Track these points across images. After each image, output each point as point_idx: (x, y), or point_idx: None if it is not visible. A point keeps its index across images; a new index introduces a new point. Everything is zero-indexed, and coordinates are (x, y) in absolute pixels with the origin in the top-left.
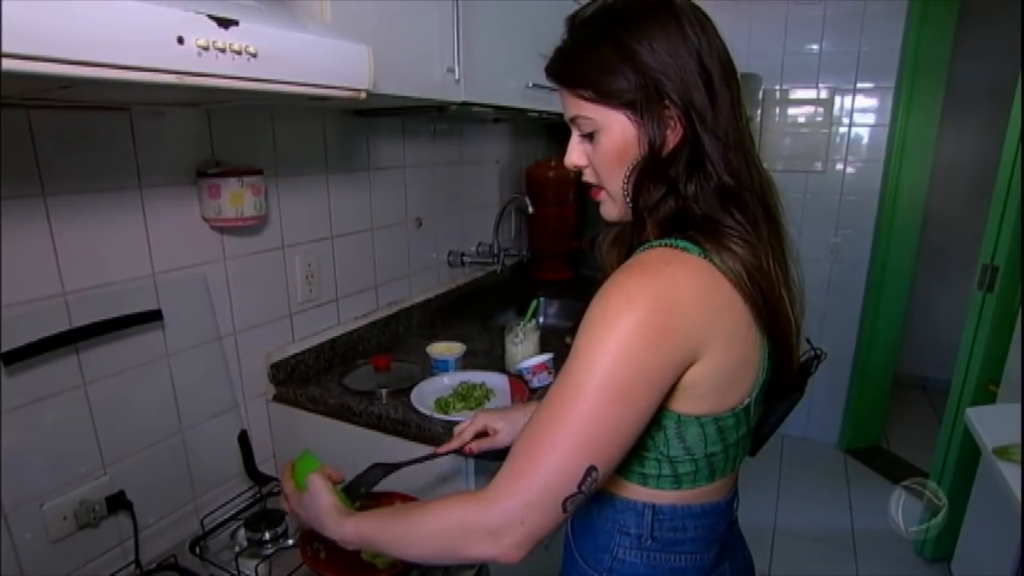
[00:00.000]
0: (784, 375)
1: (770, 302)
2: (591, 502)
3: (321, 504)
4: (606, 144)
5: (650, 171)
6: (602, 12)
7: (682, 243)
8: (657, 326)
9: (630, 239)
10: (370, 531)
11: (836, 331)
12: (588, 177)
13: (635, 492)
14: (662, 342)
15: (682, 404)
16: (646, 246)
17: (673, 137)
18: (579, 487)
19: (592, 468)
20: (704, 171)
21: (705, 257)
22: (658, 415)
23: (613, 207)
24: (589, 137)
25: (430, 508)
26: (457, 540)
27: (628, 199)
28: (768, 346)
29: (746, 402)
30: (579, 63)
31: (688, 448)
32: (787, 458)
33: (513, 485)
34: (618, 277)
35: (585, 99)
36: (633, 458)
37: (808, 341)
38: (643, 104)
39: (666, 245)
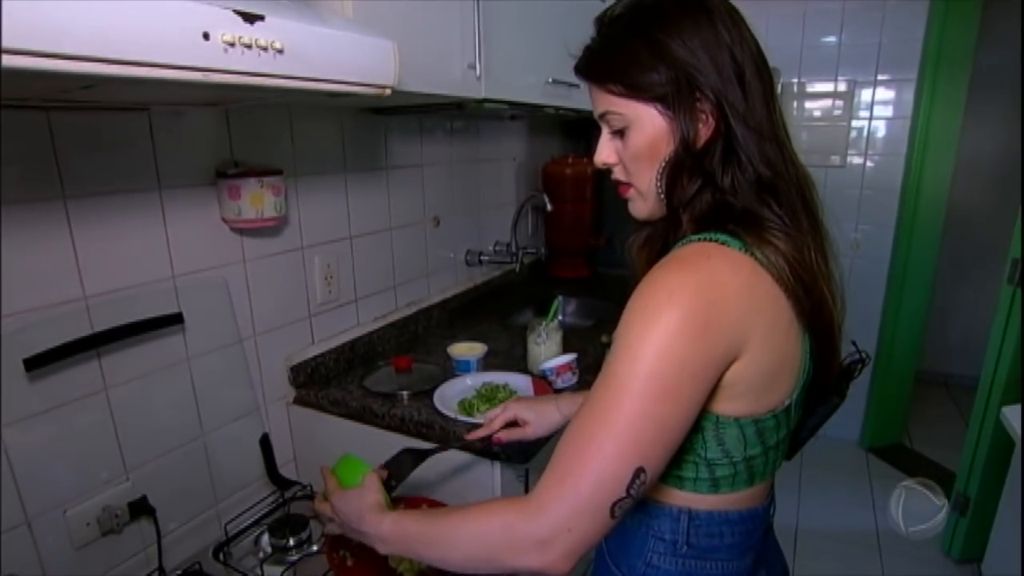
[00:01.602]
0: (825, 376)
1: (812, 297)
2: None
3: (367, 499)
4: (637, 139)
5: (684, 165)
6: (632, 9)
7: (722, 237)
8: (699, 322)
9: (662, 239)
10: (410, 529)
11: (857, 327)
12: (618, 175)
13: (672, 497)
14: (705, 338)
15: (721, 405)
16: (684, 241)
17: (705, 130)
18: (627, 490)
19: (640, 470)
20: (739, 163)
21: (746, 251)
22: (697, 417)
23: (643, 204)
24: (619, 134)
25: (472, 511)
26: (500, 547)
27: (661, 194)
28: (810, 345)
29: (786, 403)
30: (609, 59)
31: (727, 451)
32: (808, 457)
33: (559, 490)
34: (657, 273)
35: (615, 94)
36: (670, 460)
37: (853, 343)
38: (675, 98)
39: (705, 239)
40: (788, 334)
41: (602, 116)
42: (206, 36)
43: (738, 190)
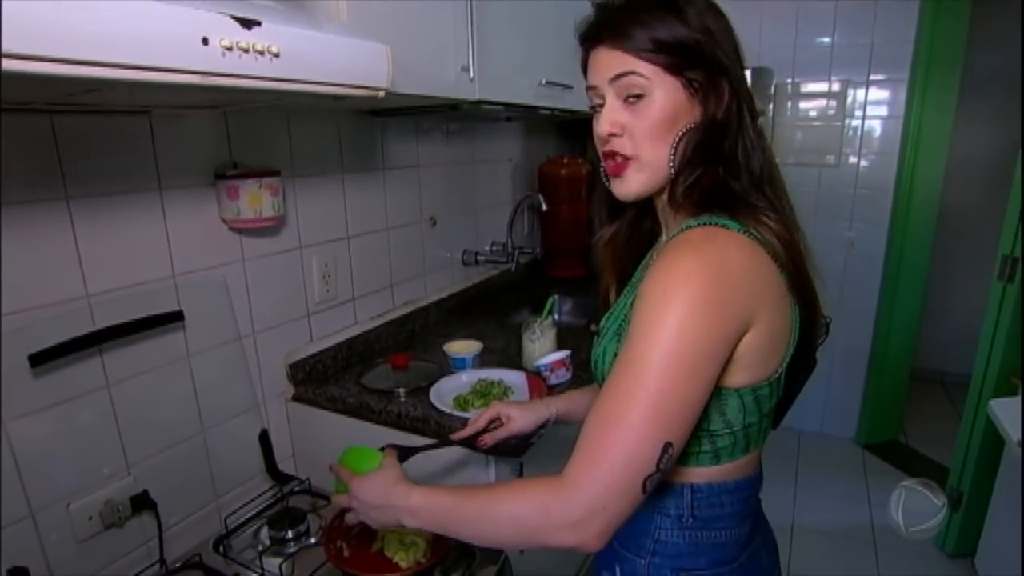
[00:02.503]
0: (810, 344)
1: (802, 272)
2: None
3: (390, 475)
4: (656, 108)
5: (706, 140)
6: None
7: (721, 220)
8: (715, 300)
9: (628, 233)
10: (442, 503)
11: (852, 325)
12: (618, 146)
13: (673, 473)
14: (721, 315)
15: (726, 377)
16: (684, 226)
17: (724, 108)
18: (657, 465)
19: (668, 445)
20: (746, 146)
21: (744, 232)
22: None
23: (636, 180)
24: (636, 99)
25: (506, 492)
26: (537, 528)
27: (672, 167)
28: (799, 317)
29: (779, 371)
30: (633, 16)
31: (728, 421)
32: (804, 454)
33: (592, 470)
34: (669, 257)
35: (640, 54)
36: None
37: None
38: (704, 69)
39: (706, 224)
40: (785, 308)
41: (619, 77)
42: (205, 41)
43: (740, 172)
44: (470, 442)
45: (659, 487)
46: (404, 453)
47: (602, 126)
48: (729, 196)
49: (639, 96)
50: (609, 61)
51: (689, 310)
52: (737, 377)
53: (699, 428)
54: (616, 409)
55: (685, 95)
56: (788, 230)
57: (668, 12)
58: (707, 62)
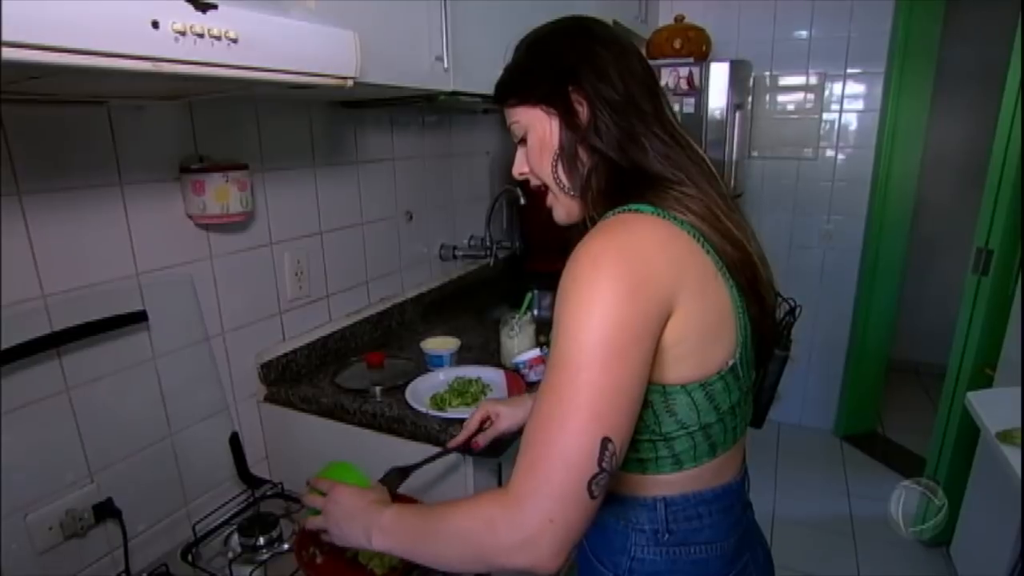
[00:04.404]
0: (764, 329)
1: (733, 247)
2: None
3: (373, 494)
4: (532, 140)
5: (570, 146)
6: (521, 43)
7: (633, 206)
8: (628, 280)
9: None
10: (407, 522)
11: (830, 317)
12: (534, 181)
13: (643, 486)
14: (638, 294)
15: (668, 372)
16: (600, 220)
17: (584, 113)
18: (600, 464)
19: (607, 440)
20: (627, 133)
21: (658, 214)
22: (644, 394)
23: (560, 207)
24: (524, 142)
25: (458, 508)
26: (486, 546)
27: (564, 186)
28: (740, 299)
29: (730, 363)
30: (505, 81)
31: (681, 421)
32: (783, 445)
33: (533, 480)
34: (579, 248)
35: (511, 106)
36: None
37: (778, 294)
38: (551, 91)
39: (618, 212)
40: (717, 290)
41: (509, 130)
42: (155, 25)
43: (632, 157)
44: (466, 445)
45: (632, 501)
46: (405, 472)
47: (514, 171)
48: (632, 184)
49: (524, 138)
50: (506, 119)
51: (601, 294)
52: (678, 370)
53: (649, 432)
54: (548, 410)
55: (548, 119)
56: (706, 204)
57: (528, 61)
58: (546, 81)
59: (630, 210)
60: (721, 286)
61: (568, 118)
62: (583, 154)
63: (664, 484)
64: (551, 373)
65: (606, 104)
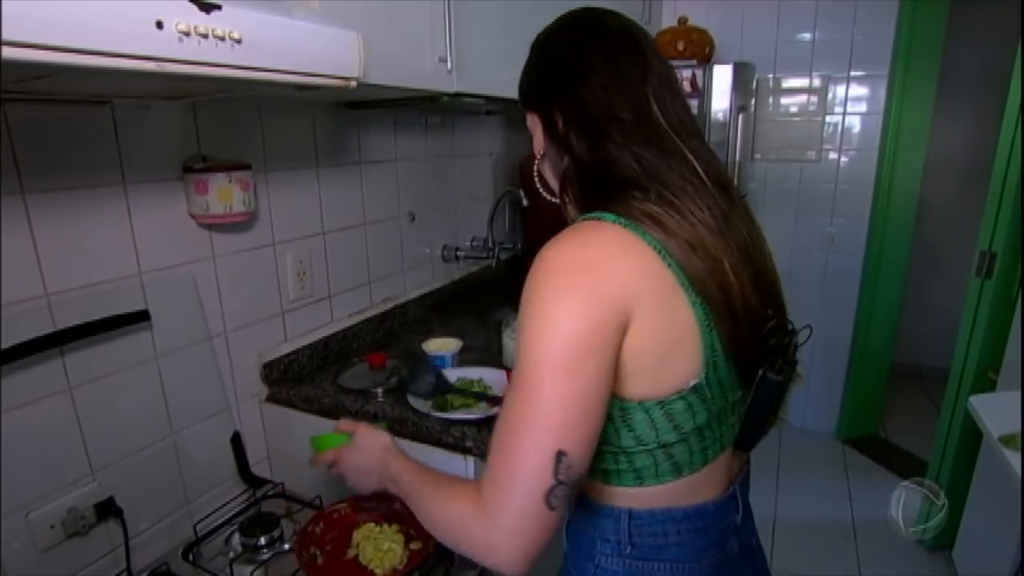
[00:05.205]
0: (743, 350)
1: (704, 261)
2: (578, 508)
3: (378, 441)
4: (535, 143)
5: (551, 151)
6: (534, 40)
7: (595, 214)
8: (581, 293)
9: None
10: (405, 484)
11: (833, 320)
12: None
13: (610, 496)
14: (590, 307)
15: (623, 386)
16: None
17: (561, 120)
18: (555, 476)
19: (561, 453)
20: (599, 141)
21: (621, 223)
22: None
23: (563, 207)
24: None
25: (447, 493)
26: (462, 539)
27: (549, 187)
28: (706, 316)
29: (693, 383)
30: (519, 82)
31: (639, 437)
32: (785, 448)
33: (496, 488)
34: (540, 251)
35: (522, 108)
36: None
37: (770, 312)
38: (536, 98)
39: (584, 218)
40: (676, 305)
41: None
42: (159, 25)
43: (603, 165)
44: None
45: (600, 510)
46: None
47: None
48: (601, 191)
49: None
50: None
51: (554, 308)
52: (633, 386)
53: (609, 444)
54: (508, 421)
55: (538, 124)
56: (679, 214)
57: (525, 69)
58: (532, 88)
59: (593, 217)
60: (682, 301)
61: (547, 125)
62: (561, 159)
63: (629, 497)
64: (512, 384)
65: (580, 113)
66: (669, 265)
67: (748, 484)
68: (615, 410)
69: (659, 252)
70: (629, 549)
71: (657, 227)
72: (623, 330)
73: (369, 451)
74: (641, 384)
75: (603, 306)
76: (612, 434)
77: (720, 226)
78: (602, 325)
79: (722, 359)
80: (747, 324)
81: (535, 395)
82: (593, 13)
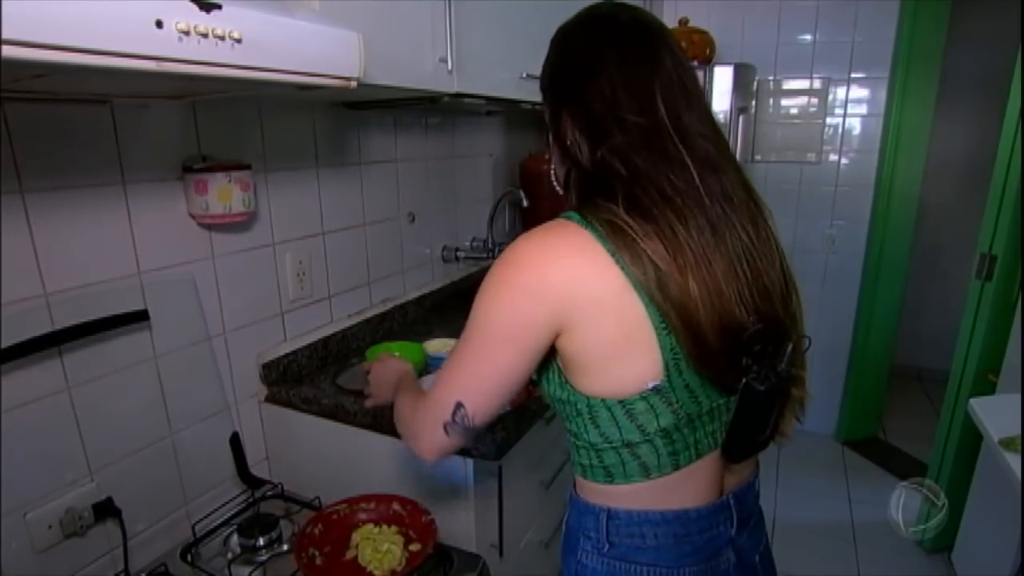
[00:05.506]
0: (704, 358)
1: (652, 270)
2: (570, 505)
3: (399, 365)
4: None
5: (555, 148)
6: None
7: (565, 214)
8: (512, 284)
9: None
10: (399, 395)
11: (832, 321)
12: None
13: (589, 491)
14: (521, 300)
15: (579, 381)
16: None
17: (566, 120)
18: (452, 416)
19: (460, 404)
20: (597, 142)
21: (584, 224)
22: (572, 398)
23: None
24: None
25: (409, 400)
26: (405, 431)
27: (557, 178)
28: (661, 319)
29: (653, 384)
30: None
31: (604, 435)
32: (784, 450)
33: (423, 407)
34: (508, 245)
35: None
36: (572, 447)
37: (755, 320)
38: (546, 95)
39: (560, 216)
40: (629, 306)
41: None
42: (159, 24)
43: (592, 164)
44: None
45: (584, 506)
46: None
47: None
48: (584, 190)
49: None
50: None
51: (493, 293)
52: (590, 382)
53: (581, 439)
54: (445, 364)
55: (549, 124)
56: (650, 220)
57: (544, 67)
58: (544, 86)
59: (564, 217)
60: (634, 303)
61: (553, 122)
62: (563, 160)
63: (606, 495)
64: (460, 338)
65: (585, 112)
66: (623, 268)
67: (750, 497)
68: (583, 406)
69: (612, 255)
70: (607, 548)
71: (613, 233)
72: (556, 328)
73: (394, 369)
74: (598, 381)
75: (536, 306)
76: (582, 429)
77: (704, 237)
78: (530, 320)
79: (685, 363)
80: (714, 332)
81: (461, 355)
82: (611, 8)
